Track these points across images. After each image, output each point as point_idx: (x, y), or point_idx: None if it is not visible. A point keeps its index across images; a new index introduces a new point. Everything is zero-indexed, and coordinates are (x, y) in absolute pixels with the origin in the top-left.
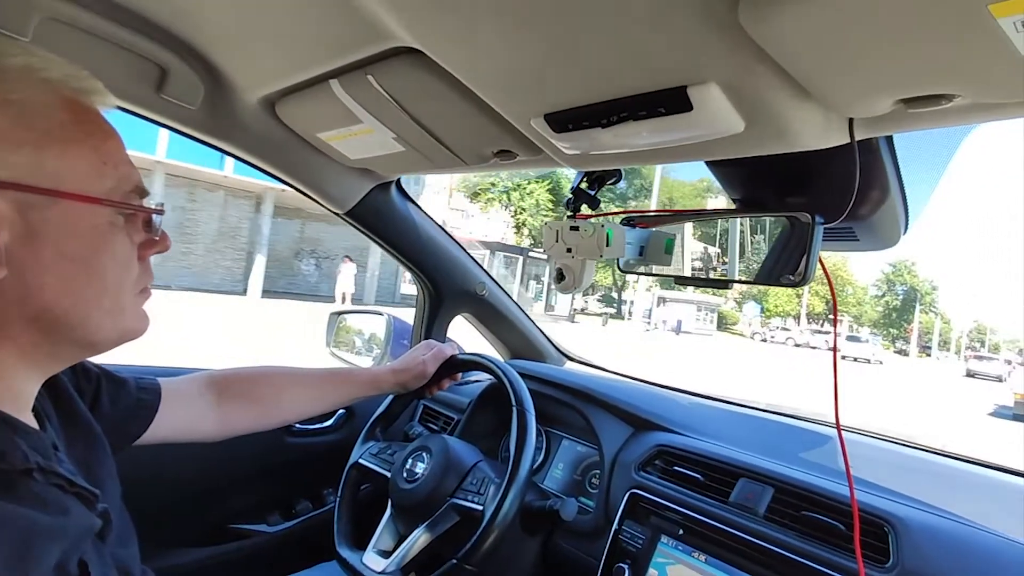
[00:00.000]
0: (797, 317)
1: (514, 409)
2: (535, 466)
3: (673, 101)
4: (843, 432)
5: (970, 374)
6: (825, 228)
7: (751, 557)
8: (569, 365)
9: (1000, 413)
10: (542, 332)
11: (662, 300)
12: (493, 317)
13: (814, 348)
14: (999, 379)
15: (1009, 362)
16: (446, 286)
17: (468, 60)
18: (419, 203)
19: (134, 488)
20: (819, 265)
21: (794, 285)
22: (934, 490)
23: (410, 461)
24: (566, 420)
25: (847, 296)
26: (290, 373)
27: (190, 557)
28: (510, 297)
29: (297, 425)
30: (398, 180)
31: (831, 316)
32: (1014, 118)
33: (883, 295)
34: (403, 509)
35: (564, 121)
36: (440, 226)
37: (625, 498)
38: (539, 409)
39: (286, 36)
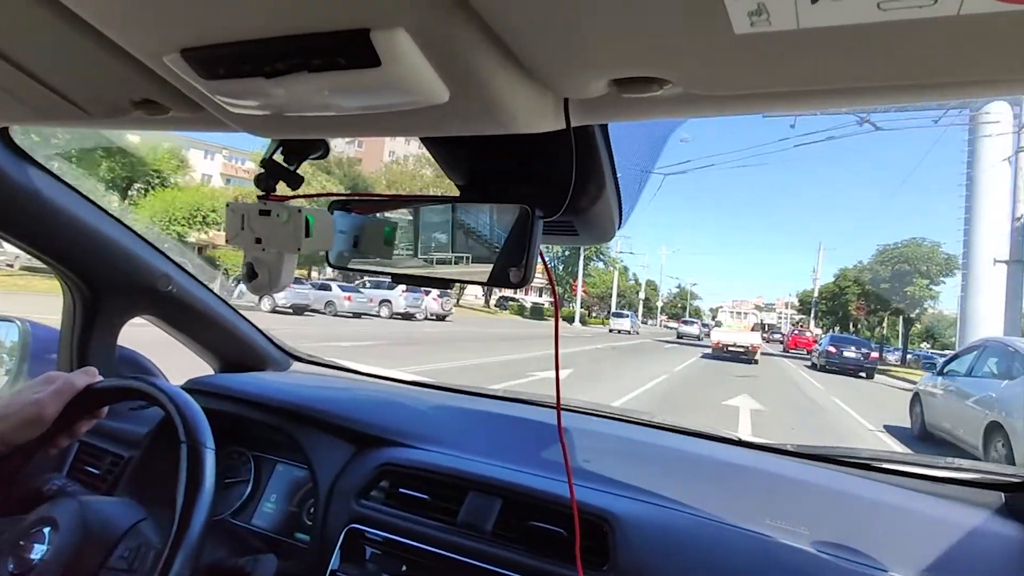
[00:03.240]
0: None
1: (182, 446)
2: (241, 501)
3: (355, 49)
4: (564, 411)
5: (680, 336)
6: (546, 222)
7: None
8: (297, 367)
9: (706, 355)
10: (260, 332)
11: None
12: (188, 318)
13: (378, 316)
14: (698, 338)
15: (705, 325)
16: (106, 280)
17: None
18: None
19: None
20: (540, 260)
21: (516, 286)
22: (649, 473)
23: (23, 542)
24: (278, 442)
25: None
26: None
27: None
28: (212, 292)
29: None
30: (5, 131)
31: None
32: (725, 115)
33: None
34: None
35: (211, 63)
36: (91, 200)
37: (342, 536)
38: (245, 433)
39: None
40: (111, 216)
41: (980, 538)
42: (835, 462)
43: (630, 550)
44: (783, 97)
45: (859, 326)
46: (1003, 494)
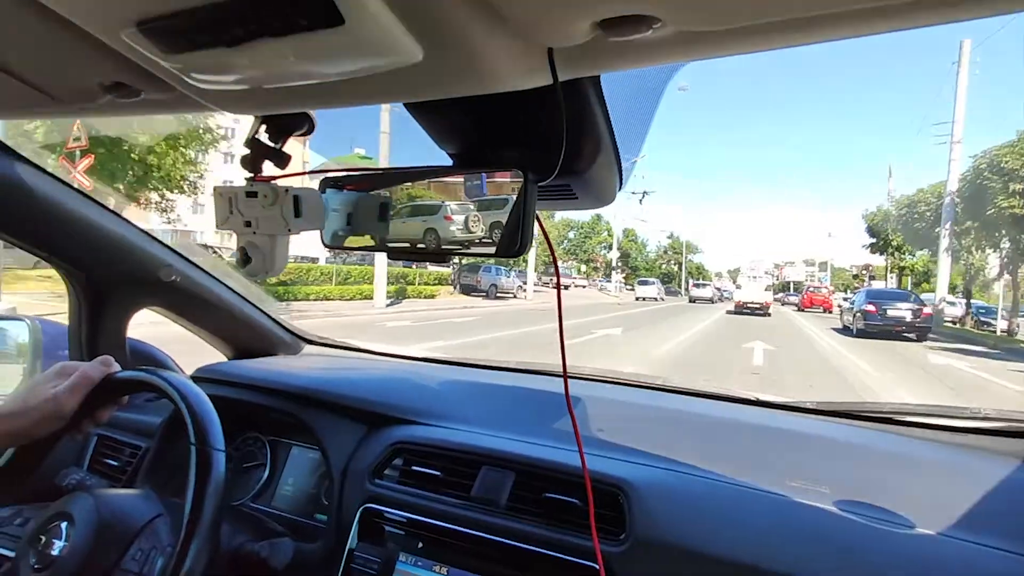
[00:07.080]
0: None
1: (192, 449)
2: (260, 485)
3: (314, 7)
4: (573, 380)
5: (692, 300)
6: (541, 187)
7: (493, 558)
8: (309, 349)
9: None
10: (269, 316)
11: None
12: (195, 307)
13: None
14: (711, 301)
15: (718, 288)
16: (108, 273)
17: None
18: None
19: None
20: (537, 225)
21: (514, 255)
22: (663, 438)
23: (43, 537)
24: (291, 426)
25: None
26: None
27: None
28: (216, 279)
29: None
30: None
31: None
32: (725, 54)
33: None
34: None
35: (169, 35)
36: (84, 194)
37: (357, 515)
38: (260, 418)
39: None
40: (107, 209)
41: (1007, 488)
42: (856, 417)
43: (646, 517)
44: (792, 27)
45: None
46: None
